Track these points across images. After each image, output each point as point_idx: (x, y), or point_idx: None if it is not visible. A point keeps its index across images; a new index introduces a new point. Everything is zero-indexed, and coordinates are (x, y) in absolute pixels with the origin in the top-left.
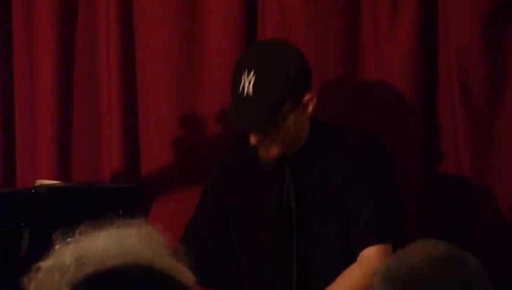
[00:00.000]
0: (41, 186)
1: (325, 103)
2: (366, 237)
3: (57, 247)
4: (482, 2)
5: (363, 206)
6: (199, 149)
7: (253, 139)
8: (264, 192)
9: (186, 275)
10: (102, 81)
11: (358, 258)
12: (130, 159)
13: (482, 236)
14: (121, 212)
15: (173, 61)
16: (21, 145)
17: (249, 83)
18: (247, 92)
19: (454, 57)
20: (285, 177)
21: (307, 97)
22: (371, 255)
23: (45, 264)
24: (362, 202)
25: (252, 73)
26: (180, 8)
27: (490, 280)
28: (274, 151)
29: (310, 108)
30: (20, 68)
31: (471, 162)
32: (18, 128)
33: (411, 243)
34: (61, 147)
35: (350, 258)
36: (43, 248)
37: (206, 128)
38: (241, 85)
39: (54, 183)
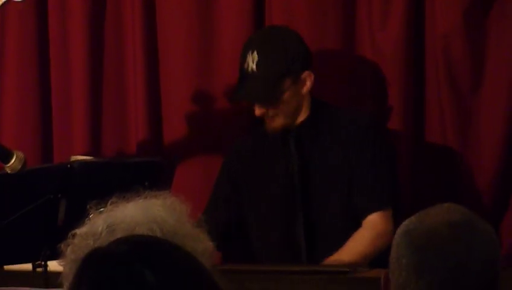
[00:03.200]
0: (76, 161)
1: (325, 84)
2: (371, 204)
3: (91, 216)
4: None
5: (366, 176)
6: (215, 125)
7: (257, 111)
8: (271, 163)
9: (205, 240)
10: (129, 68)
11: (364, 223)
12: (153, 135)
13: (466, 198)
14: (146, 183)
15: (191, 50)
16: (57, 125)
17: (253, 61)
18: (251, 69)
19: (440, 43)
20: (290, 149)
21: (304, 75)
22: (376, 220)
23: (80, 231)
24: (365, 172)
25: (255, 53)
26: (197, 5)
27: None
28: (277, 122)
29: (308, 84)
30: (56, 58)
31: (455, 134)
32: (55, 111)
33: (435, 205)
34: (93, 126)
35: (353, 221)
36: (78, 217)
37: (221, 107)
38: (246, 63)
39: (87, 159)
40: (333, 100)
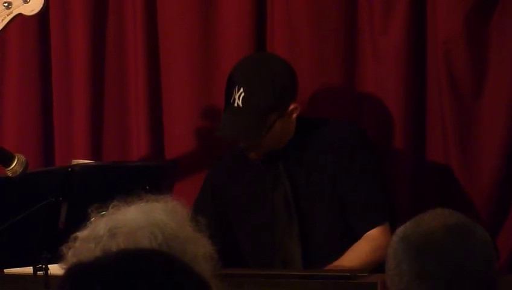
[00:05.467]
0: (77, 165)
1: (328, 88)
2: (368, 221)
3: (92, 219)
4: None
5: (358, 191)
6: (216, 128)
7: (242, 144)
8: (259, 183)
9: (206, 244)
10: (130, 73)
11: (364, 237)
12: (155, 139)
13: (466, 204)
14: (147, 187)
15: (192, 57)
16: (59, 129)
17: (239, 98)
18: (237, 106)
19: (442, 48)
20: (279, 170)
21: (291, 107)
22: (375, 235)
23: (82, 234)
24: (355, 186)
25: (241, 89)
26: (198, 12)
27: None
28: (259, 154)
29: (294, 116)
30: (58, 62)
31: (456, 139)
32: (56, 116)
33: (430, 210)
34: (94, 130)
35: (347, 235)
36: (79, 220)
37: (222, 111)
38: (232, 98)
39: (88, 163)
40: (332, 104)
